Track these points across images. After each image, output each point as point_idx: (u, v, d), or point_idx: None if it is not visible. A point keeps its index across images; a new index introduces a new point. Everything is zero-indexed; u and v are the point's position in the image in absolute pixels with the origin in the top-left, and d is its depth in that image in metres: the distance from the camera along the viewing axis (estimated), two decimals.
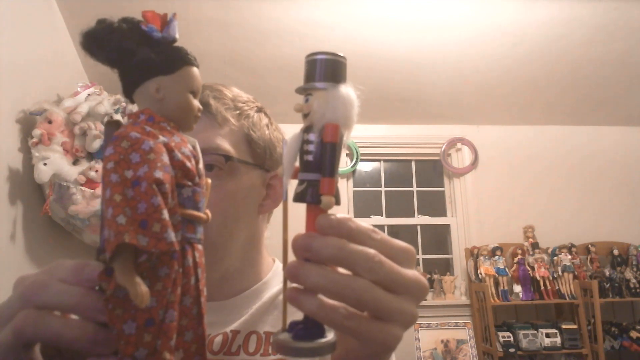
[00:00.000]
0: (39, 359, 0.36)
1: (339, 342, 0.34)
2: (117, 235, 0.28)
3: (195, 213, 0.34)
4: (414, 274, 0.36)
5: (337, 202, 0.33)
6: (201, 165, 0.36)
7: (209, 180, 0.37)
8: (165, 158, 0.31)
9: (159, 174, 0.30)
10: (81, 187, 1.94)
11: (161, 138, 0.32)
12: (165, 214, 0.30)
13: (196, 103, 0.36)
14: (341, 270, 0.34)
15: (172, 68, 0.34)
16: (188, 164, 0.33)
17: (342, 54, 0.35)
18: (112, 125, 0.35)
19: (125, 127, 0.32)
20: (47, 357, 0.36)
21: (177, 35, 0.35)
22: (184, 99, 0.35)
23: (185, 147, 0.34)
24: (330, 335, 0.34)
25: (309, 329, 0.33)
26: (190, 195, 0.34)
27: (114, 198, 0.29)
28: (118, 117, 2.10)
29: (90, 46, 0.33)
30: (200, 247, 0.34)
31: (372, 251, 0.33)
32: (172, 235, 0.29)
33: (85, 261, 0.33)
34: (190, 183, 0.34)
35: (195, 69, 0.35)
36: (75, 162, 2.04)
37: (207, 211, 0.36)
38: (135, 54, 0.33)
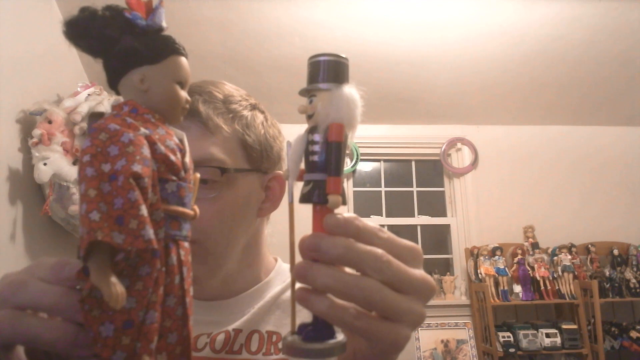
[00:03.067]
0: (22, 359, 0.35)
1: (347, 342, 0.34)
2: (89, 233, 0.26)
3: (180, 209, 0.32)
4: (421, 273, 0.36)
5: (344, 202, 0.33)
6: (188, 158, 0.34)
7: (197, 175, 0.36)
8: (146, 151, 0.30)
9: (137, 168, 0.28)
10: None
11: (143, 130, 0.31)
12: (144, 210, 0.28)
13: (184, 94, 0.34)
14: (348, 270, 0.34)
15: (157, 57, 0.32)
16: (172, 157, 0.32)
17: (344, 55, 0.35)
18: (95, 117, 0.33)
19: (105, 119, 0.31)
20: (33, 358, 0.35)
21: (163, 24, 0.33)
22: (170, 89, 0.33)
23: (170, 140, 0.33)
24: (340, 336, 0.33)
25: (318, 330, 0.33)
26: (175, 190, 0.32)
27: (88, 193, 0.27)
28: None
29: (72, 35, 0.32)
30: (186, 244, 0.33)
31: (380, 251, 0.33)
32: (150, 233, 0.28)
33: (66, 259, 0.33)
34: (174, 177, 0.32)
35: (182, 59, 0.34)
36: (75, 162, 2.04)
37: (195, 207, 0.34)
38: (118, 42, 0.32)
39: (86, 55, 0.33)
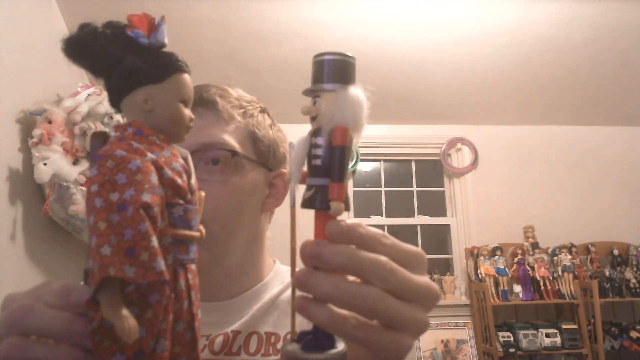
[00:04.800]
0: None
1: (348, 351, 0.33)
2: (101, 268, 0.26)
3: (188, 232, 0.32)
4: (426, 280, 0.35)
5: (347, 208, 0.32)
6: (193, 180, 0.34)
7: (202, 193, 0.35)
8: (154, 178, 0.29)
9: (146, 197, 0.28)
10: (81, 187, 1.94)
11: (149, 155, 0.30)
12: (154, 241, 0.28)
13: (188, 112, 0.33)
14: (350, 277, 0.33)
15: (161, 76, 0.32)
16: (179, 180, 0.31)
17: (350, 54, 0.34)
18: (98, 138, 0.32)
19: (110, 143, 0.30)
20: None
21: (166, 40, 0.32)
22: (175, 109, 0.32)
23: (176, 162, 0.32)
24: (340, 346, 0.33)
25: (318, 339, 0.32)
26: (182, 214, 0.32)
27: (98, 226, 0.27)
28: (118, 117, 2.09)
29: (72, 53, 0.31)
30: (193, 267, 0.33)
31: (383, 259, 0.32)
32: (161, 264, 0.28)
33: (73, 285, 0.32)
34: (181, 201, 0.32)
35: (186, 76, 0.33)
36: (75, 162, 2.04)
37: (201, 227, 0.34)
38: (120, 61, 0.31)
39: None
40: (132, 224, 0.27)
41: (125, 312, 0.27)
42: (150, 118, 0.32)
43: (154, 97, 0.32)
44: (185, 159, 0.34)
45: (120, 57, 0.31)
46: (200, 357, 0.32)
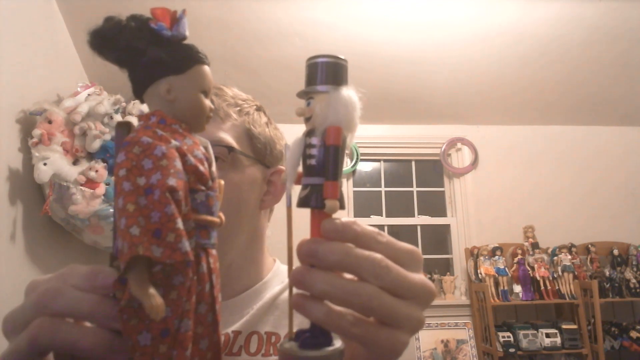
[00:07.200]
0: None
1: (345, 348, 0.34)
2: (130, 247, 0.27)
3: (209, 218, 0.33)
4: (421, 278, 0.35)
5: (342, 206, 0.33)
6: (214, 167, 0.35)
7: (222, 182, 0.36)
8: (178, 164, 0.31)
9: (172, 182, 0.29)
10: (81, 187, 1.94)
11: (173, 142, 0.31)
12: (180, 223, 0.29)
13: (208, 103, 0.35)
14: (347, 275, 0.33)
15: (183, 67, 0.33)
16: (201, 167, 0.33)
17: (343, 57, 0.35)
18: (122, 127, 0.34)
19: (136, 131, 0.32)
20: None
21: (187, 33, 0.34)
22: (196, 99, 0.34)
23: (197, 150, 0.33)
24: (337, 343, 0.33)
25: (316, 337, 0.33)
26: (204, 200, 0.33)
27: (127, 208, 0.28)
28: (118, 117, 2.09)
29: (98, 45, 0.32)
30: (214, 252, 0.34)
31: (378, 256, 0.33)
32: (186, 245, 0.29)
33: (99, 267, 0.33)
34: (203, 187, 0.33)
35: (206, 68, 0.34)
36: (75, 162, 2.04)
37: (221, 214, 0.35)
38: (145, 53, 0.32)
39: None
40: (159, 207, 0.29)
41: (152, 290, 0.28)
42: (173, 108, 0.33)
43: (177, 88, 0.33)
44: (205, 148, 0.35)
45: (144, 49, 0.32)
46: (221, 339, 0.33)
